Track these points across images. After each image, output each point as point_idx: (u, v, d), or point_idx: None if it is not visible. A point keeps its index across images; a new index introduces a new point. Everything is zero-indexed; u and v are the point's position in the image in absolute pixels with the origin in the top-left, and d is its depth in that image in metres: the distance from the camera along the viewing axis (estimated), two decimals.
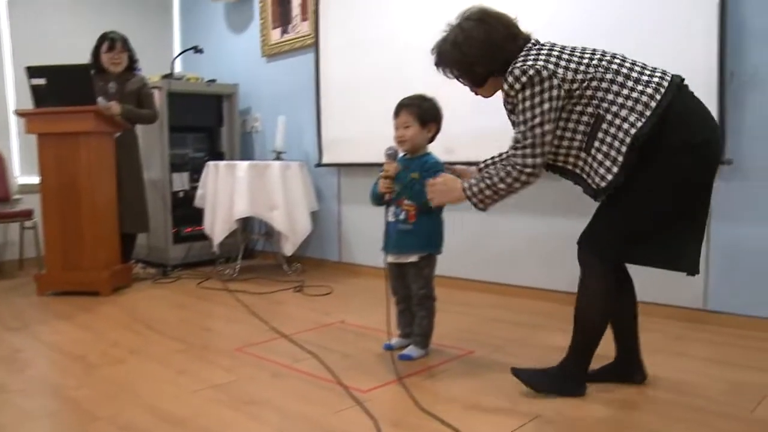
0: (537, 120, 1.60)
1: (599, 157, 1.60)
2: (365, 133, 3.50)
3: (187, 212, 3.87)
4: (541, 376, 1.73)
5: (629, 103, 1.57)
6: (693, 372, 1.91)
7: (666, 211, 1.57)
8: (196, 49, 4.15)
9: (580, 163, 1.65)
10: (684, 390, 1.76)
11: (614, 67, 1.61)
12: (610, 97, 1.58)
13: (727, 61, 2.30)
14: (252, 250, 4.28)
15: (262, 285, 3.38)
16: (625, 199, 1.59)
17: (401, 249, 2.02)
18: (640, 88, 1.58)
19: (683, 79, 1.63)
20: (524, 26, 1.74)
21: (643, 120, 1.55)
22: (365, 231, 3.68)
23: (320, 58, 3.74)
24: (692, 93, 1.63)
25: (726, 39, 2.30)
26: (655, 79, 1.60)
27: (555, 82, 1.59)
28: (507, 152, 1.76)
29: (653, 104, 1.56)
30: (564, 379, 1.71)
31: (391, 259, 2.05)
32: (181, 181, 3.92)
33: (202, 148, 4.16)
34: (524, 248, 2.97)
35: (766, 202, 2.31)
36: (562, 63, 1.61)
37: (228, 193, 3.50)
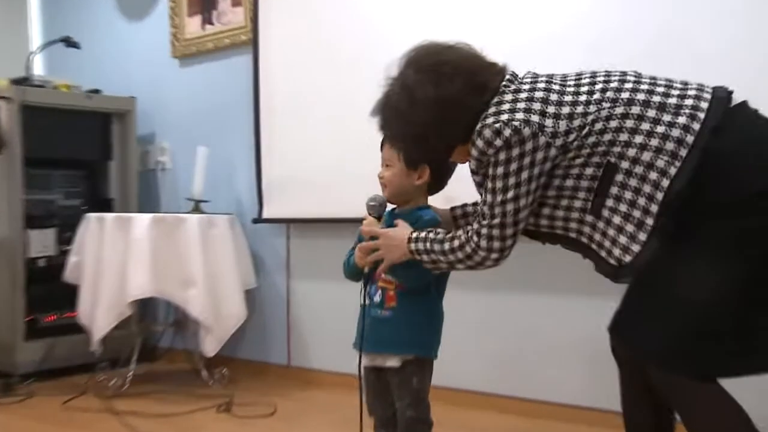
0: (510, 193, 1.74)
1: (616, 220, 1.71)
2: (330, 172, 3.55)
3: (50, 290, 3.88)
4: None
5: (653, 142, 1.67)
6: None
7: (745, 278, 1.63)
8: (68, 42, 4.18)
9: (587, 229, 1.78)
10: None
11: (625, 96, 1.72)
12: (624, 137, 1.69)
13: None
14: (154, 348, 4.25)
15: (169, 402, 3.36)
16: (674, 277, 1.67)
17: (377, 345, 2.07)
18: (667, 118, 1.68)
19: (731, 92, 1.73)
20: (504, 52, 1.88)
21: (678, 163, 1.64)
22: (328, 319, 3.69)
23: (260, 61, 3.81)
24: (754, 112, 1.73)
25: None
26: (689, 102, 1.69)
27: (541, 141, 1.71)
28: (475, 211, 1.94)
29: (690, 138, 1.65)
30: None
31: (365, 361, 2.10)
32: (42, 242, 3.93)
33: (77, 193, 4.19)
34: (562, 347, 3.00)
35: None
36: (551, 109, 1.73)
37: (118, 261, 3.51)
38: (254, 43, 3.85)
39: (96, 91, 4.25)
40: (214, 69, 4.16)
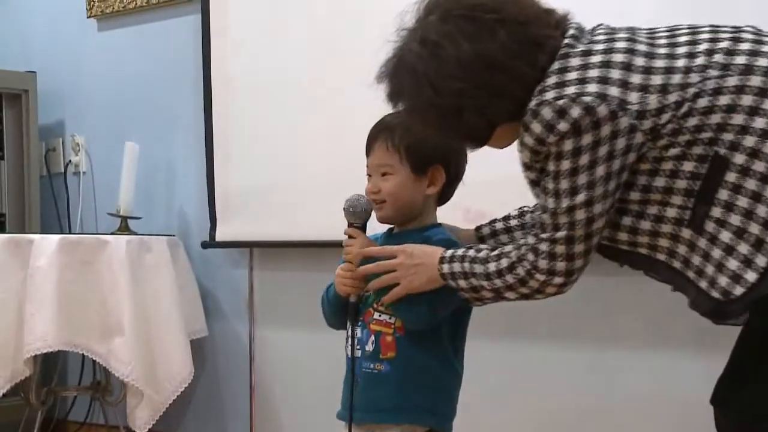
0: (581, 196, 1.70)
1: (724, 237, 1.66)
2: (309, 179, 3.52)
3: None
4: None
5: None
6: None
7: None
8: None
9: (682, 249, 1.73)
10: None
11: (741, 61, 1.67)
12: (738, 120, 1.65)
13: None
14: (62, 423, 4.21)
15: None
16: None
17: (370, 412, 2.05)
18: None
19: None
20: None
21: None
22: (305, 380, 3.62)
23: (212, 21, 3.75)
24: None
25: None
26: None
27: (623, 123, 1.66)
28: (530, 223, 2.01)
29: None
30: None
31: None
32: None
33: None
34: (627, 413, 2.96)
35: None
36: (635, 78, 1.68)
37: (12, 301, 3.47)
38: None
39: None
40: (147, 34, 4.09)
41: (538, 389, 3.16)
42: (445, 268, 1.89)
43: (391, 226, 2.11)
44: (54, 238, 3.46)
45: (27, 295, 3.41)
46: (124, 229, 3.72)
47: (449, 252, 1.91)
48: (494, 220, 2.17)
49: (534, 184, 1.82)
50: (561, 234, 1.73)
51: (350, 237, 2.05)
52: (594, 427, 3.12)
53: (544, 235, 1.76)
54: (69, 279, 3.42)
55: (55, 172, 4.37)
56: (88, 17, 4.20)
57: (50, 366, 3.93)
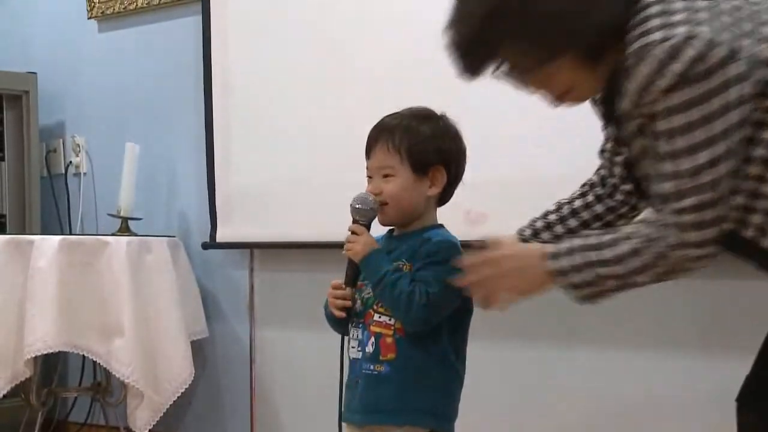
0: (703, 156, 1.58)
1: None
2: (311, 180, 3.51)
3: None
4: None
5: None
6: None
7: None
8: None
9: None
10: None
11: None
12: None
13: None
14: (62, 424, 4.20)
15: None
16: None
17: (370, 414, 2.05)
18: None
19: None
20: None
21: None
22: (306, 381, 3.61)
23: (212, 22, 3.75)
24: None
25: None
26: None
27: (736, 70, 1.55)
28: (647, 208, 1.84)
29: None
30: None
31: None
32: None
33: None
34: (646, 414, 2.94)
35: None
36: (747, 25, 1.59)
37: (12, 302, 3.46)
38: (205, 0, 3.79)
39: None
40: (147, 35, 4.08)
41: (542, 391, 3.15)
42: (555, 264, 1.76)
43: (392, 228, 2.10)
44: (54, 239, 3.45)
45: (27, 296, 3.40)
46: (124, 230, 3.71)
47: (551, 248, 1.78)
48: (534, 220, 2.09)
49: (632, 137, 1.73)
50: (687, 202, 1.61)
51: (353, 233, 2.03)
52: (601, 428, 3.12)
53: (669, 206, 1.64)
54: (69, 280, 3.42)
55: (56, 173, 4.36)
56: (88, 18, 4.20)
57: (51, 367, 3.91)
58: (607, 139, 1.96)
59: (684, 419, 2.91)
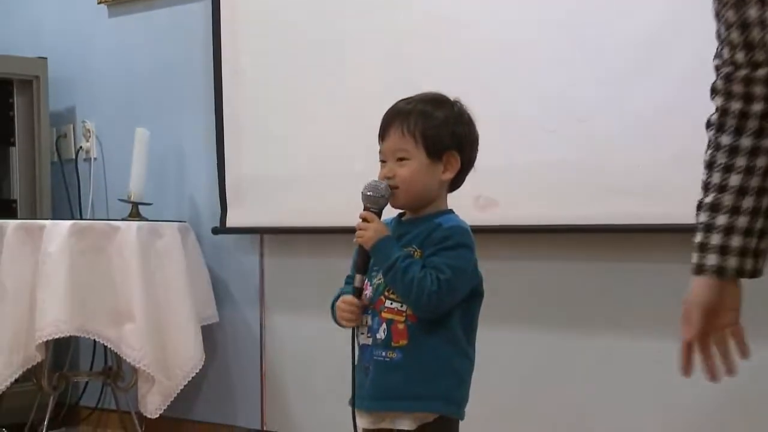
0: None
1: None
2: (321, 165, 3.51)
3: None
4: None
5: None
6: None
7: None
8: None
9: None
10: None
11: None
12: None
13: None
14: (74, 408, 4.22)
15: None
16: None
17: (381, 400, 2.04)
18: None
19: None
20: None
21: None
22: (316, 367, 3.61)
23: (222, 8, 3.75)
24: None
25: None
26: None
27: None
28: None
29: None
30: None
31: (365, 424, 2.07)
32: None
33: None
34: (653, 402, 2.92)
35: None
36: None
37: (23, 287, 3.48)
38: None
39: None
40: (157, 19, 4.07)
41: (553, 377, 3.16)
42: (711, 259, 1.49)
43: (402, 211, 2.10)
44: (65, 224, 3.45)
45: (38, 281, 3.42)
46: (134, 215, 3.73)
47: (699, 240, 1.51)
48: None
49: None
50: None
51: (364, 220, 2.03)
52: (609, 417, 3.10)
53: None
54: (80, 265, 3.42)
55: (66, 158, 4.37)
56: (98, 3, 4.19)
57: (62, 351, 3.96)
58: None
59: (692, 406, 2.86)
